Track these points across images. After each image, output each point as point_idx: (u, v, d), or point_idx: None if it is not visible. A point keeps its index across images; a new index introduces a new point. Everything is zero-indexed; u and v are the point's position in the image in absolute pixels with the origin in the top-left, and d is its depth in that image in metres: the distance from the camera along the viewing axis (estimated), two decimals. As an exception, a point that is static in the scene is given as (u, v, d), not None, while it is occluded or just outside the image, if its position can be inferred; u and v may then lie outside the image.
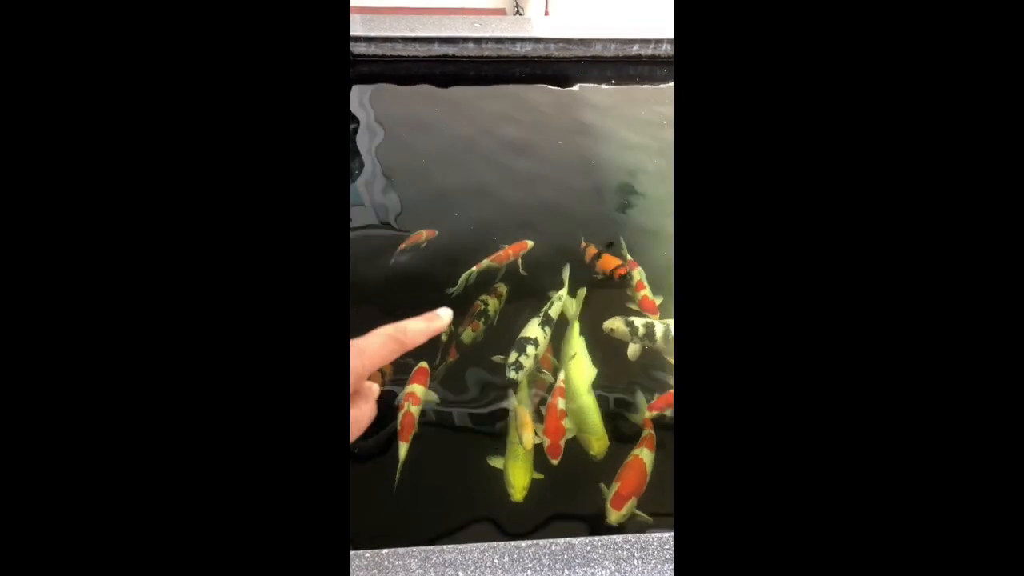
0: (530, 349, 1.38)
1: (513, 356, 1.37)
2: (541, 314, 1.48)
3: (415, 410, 1.26)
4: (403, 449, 1.21)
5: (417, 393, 1.30)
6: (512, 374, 1.35)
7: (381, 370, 1.33)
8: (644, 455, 1.20)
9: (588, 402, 1.30)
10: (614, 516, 1.13)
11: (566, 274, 1.59)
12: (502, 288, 1.58)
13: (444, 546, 0.93)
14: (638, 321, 1.45)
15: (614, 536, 0.94)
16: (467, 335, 1.46)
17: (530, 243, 1.69)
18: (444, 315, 0.48)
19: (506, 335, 1.45)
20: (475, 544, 0.93)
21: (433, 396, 1.34)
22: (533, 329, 1.44)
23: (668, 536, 0.93)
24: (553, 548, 0.93)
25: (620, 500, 1.14)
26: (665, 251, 1.74)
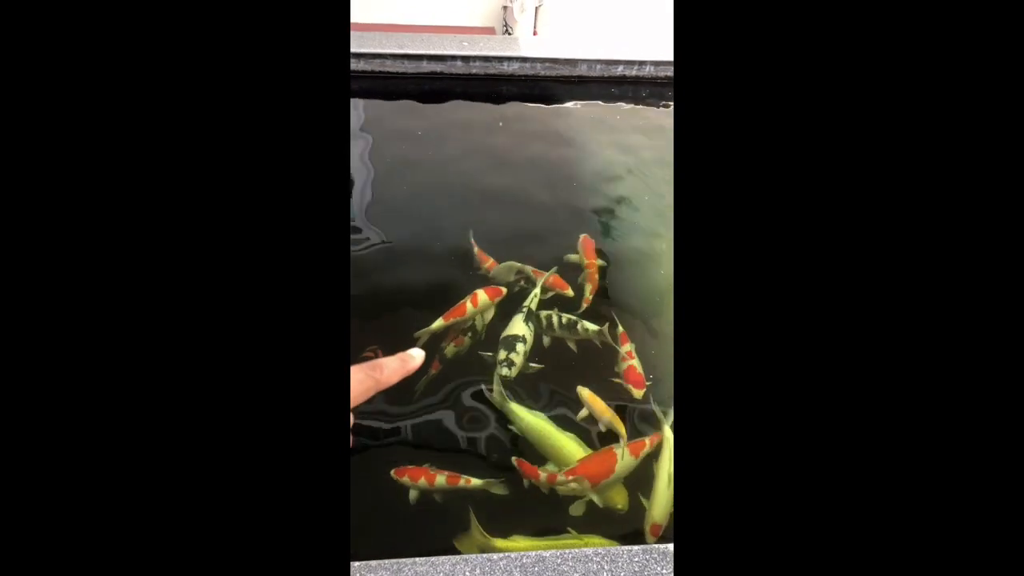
0: (519, 346, 1.40)
1: (503, 354, 1.38)
2: (524, 310, 1.50)
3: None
4: (438, 321, 1.45)
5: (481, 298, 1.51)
6: (505, 371, 1.36)
7: None
8: (620, 452, 1.21)
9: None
10: (556, 479, 1.16)
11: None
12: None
13: (416, 559, 0.94)
14: (543, 314, 1.53)
15: (584, 550, 0.94)
16: (450, 350, 1.47)
17: (571, 292, 1.61)
18: (417, 356, 0.51)
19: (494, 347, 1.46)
20: (446, 557, 0.94)
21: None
22: (519, 326, 1.45)
23: (638, 549, 0.94)
24: (524, 561, 0.94)
25: (572, 475, 1.16)
26: (648, 273, 1.76)
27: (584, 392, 1.36)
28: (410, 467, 1.23)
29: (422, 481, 1.20)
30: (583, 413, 1.34)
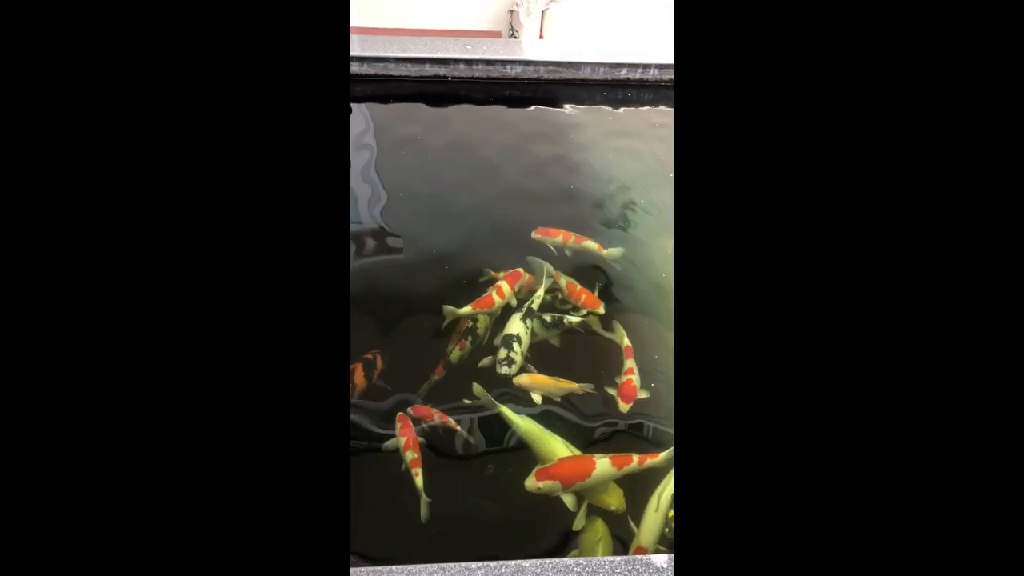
0: (516, 345, 1.42)
1: (503, 353, 1.40)
2: (524, 309, 1.51)
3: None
4: (466, 307, 1.46)
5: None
6: (504, 369, 1.38)
7: (368, 376, 1.38)
8: (601, 462, 1.19)
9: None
10: (530, 483, 1.17)
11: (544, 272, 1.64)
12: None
13: (393, 567, 0.92)
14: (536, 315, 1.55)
15: (565, 560, 0.92)
16: (455, 355, 1.45)
17: (602, 309, 1.58)
18: None
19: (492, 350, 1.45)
20: (424, 565, 0.92)
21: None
22: (516, 325, 1.46)
23: (620, 560, 0.92)
24: (503, 571, 0.91)
25: (544, 474, 1.16)
26: (650, 278, 1.73)
27: (523, 379, 1.38)
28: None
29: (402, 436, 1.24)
30: (536, 398, 1.37)
